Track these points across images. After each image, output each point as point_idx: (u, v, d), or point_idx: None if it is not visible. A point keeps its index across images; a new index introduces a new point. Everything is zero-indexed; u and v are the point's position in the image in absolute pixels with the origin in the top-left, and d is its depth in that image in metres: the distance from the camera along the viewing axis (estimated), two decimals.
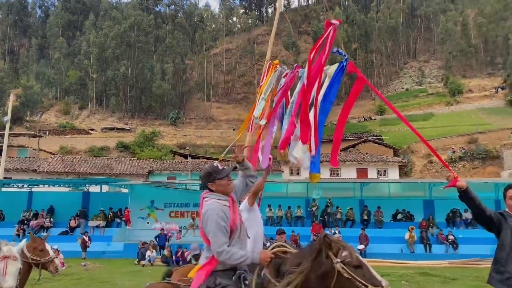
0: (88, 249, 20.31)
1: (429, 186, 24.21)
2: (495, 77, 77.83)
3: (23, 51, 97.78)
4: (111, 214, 23.68)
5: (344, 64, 4.10)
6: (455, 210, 22.75)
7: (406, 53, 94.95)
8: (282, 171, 36.88)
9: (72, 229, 22.66)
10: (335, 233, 20.46)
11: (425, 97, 75.07)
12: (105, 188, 28.13)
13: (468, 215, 22.62)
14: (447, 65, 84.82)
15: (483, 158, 44.68)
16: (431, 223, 21.70)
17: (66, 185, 27.26)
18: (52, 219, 23.45)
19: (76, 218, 23.09)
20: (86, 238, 20.28)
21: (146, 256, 18.43)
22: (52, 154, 47.73)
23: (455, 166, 45.36)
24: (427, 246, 20.50)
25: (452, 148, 47.27)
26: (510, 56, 68.90)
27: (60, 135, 62.65)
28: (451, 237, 20.52)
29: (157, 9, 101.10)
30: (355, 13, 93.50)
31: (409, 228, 20.51)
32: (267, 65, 5.50)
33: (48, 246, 5.90)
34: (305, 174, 37.21)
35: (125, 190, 25.75)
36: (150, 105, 78.37)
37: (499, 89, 71.11)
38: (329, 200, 22.93)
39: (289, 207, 23.19)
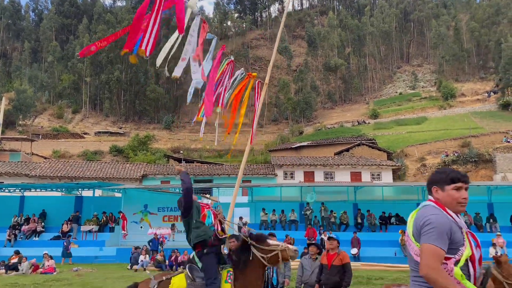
0: (79, 254, 20.07)
1: (422, 189, 24.27)
2: (487, 81, 78.57)
3: (16, 54, 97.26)
4: (104, 218, 23.52)
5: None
6: None
7: (399, 57, 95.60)
8: (276, 175, 36.85)
9: (64, 234, 22.45)
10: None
11: (418, 101, 75.61)
12: (98, 192, 27.95)
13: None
14: (440, 69, 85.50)
15: (476, 161, 44.98)
16: None
17: (59, 190, 27.00)
18: (44, 224, 23.25)
19: (69, 222, 22.89)
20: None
21: (139, 261, 18.30)
22: (45, 158, 47.40)
23: None
24: None
25: (445, 152, 47.56)
26: (502, 60, 69.50)
27: (53, 139, 62.26)
28: None
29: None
30: (348, 18, 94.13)
31: (399, 231, 20.55)
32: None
33: None
34: (298, 178, 37.26)
35: (118, 194, 25.59)
36: (144, 109, 78.19)
37: (491, 93, 71.73)
38: (323, 204, 22.92)
39: (282, 211, 23.13)
